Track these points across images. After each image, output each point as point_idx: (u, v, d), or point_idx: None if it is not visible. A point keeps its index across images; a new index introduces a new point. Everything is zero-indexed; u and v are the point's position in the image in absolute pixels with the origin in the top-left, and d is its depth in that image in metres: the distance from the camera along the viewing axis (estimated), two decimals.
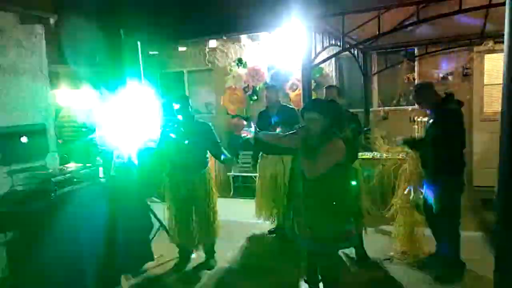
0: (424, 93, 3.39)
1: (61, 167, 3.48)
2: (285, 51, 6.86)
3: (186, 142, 3.80)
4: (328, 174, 2.61)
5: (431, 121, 3.41)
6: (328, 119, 2.65)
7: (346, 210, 2.73)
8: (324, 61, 3.56)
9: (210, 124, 4.04)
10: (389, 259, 3.96)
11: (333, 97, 3.88)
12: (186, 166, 3.89)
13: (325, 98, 4.06)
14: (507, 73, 1.28)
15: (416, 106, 3.60)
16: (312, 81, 5.61)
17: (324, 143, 2.64)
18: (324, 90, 4.06)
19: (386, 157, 5.51)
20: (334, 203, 2.65)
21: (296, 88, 6.92)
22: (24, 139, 3.00)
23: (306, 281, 3.53)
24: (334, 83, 6.89)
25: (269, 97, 4.63)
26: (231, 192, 7.08)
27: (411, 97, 3.47)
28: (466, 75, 6.19)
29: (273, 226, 4.86)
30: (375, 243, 4.30)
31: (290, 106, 4.73)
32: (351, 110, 4.04)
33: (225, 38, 7.53)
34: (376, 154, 5.69)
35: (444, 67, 6.26)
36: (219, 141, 4.05)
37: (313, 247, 2.82)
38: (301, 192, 2.79)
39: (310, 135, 2.70)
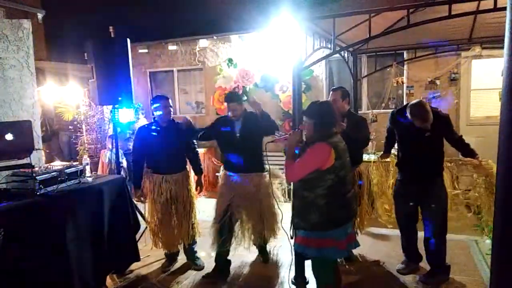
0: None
1: (47, 165, 3.42)
2: (276, 53, 6.86)
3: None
4: (310, 179, 2.56)
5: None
6: (315, 123, 2.62)
7: (325, 218, 2.58)
8: (314, 63, 3.56)
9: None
10: (376, 261, 3.99)
11: (336, 99, 3.73)
12: (166, 165, 3.87)
13: (329, 100, 4.01)
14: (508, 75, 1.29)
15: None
16: (302, 83, 5.62)
17: (308, 148, 2.59)
18: (330, 92, 3.92)
19: (374, 160, 5.58)
20: (312, 209, 2.58)
21: (286, 90, 6.93)
22: (9, 136, 2.93)
23: (293, 283, 3.54)
24: (324, 85, 6.92)
25: (231, 110, 3.66)
26: None
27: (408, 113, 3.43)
28: (454, 79, 6.29)
29: None
30: (363, 245, 4.31)
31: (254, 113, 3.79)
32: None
33: (215, 38, 7.52)
34: (365, 157, 5.73)
35: (432, 71, 6.36)
36: (195, 143, 4.10)
37: (302, 250, 2.74)
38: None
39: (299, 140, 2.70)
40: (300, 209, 2.68)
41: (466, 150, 3.55)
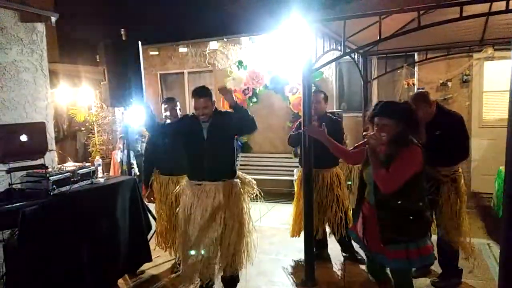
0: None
1: (60, 166, 3.48)
2: (286, 54, 6.87)
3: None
4: (405, 186, 2.31)
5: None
6: (401, 124, 2.35)
7: (424, 224, 2.44)
8: (324, 65, 3.56)
9: None
10: None
11: (319, 101, 3.96)
12: (172, 167, 3.88)
13: (312, 101, 4.06)
14: None
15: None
16: (312, 84, 5.62)
17: (400, 152, 2.34)
18: (312, 94, 4.02)
19: None
20: (411, 217, 2.38)
21: (296, 92, 6.93)
22: (23, 137, 2.99)
23: (302, 284, 3.54)
24: (334, 87, 6.92)
25: (201, 108, 3.14)
26: None
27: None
28: (465, 81, 6.22)
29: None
30: None
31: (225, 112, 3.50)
32: (345, 115, 4.05)
33: (226, 40, 7.55)
34: None
35: (443, 73, 6.30)
36: None
37: (386, 263, 2.57)
38: (372, 202, 2.51)
39: (382, 143, 2.40)
40: (396, 221, 2.40)
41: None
